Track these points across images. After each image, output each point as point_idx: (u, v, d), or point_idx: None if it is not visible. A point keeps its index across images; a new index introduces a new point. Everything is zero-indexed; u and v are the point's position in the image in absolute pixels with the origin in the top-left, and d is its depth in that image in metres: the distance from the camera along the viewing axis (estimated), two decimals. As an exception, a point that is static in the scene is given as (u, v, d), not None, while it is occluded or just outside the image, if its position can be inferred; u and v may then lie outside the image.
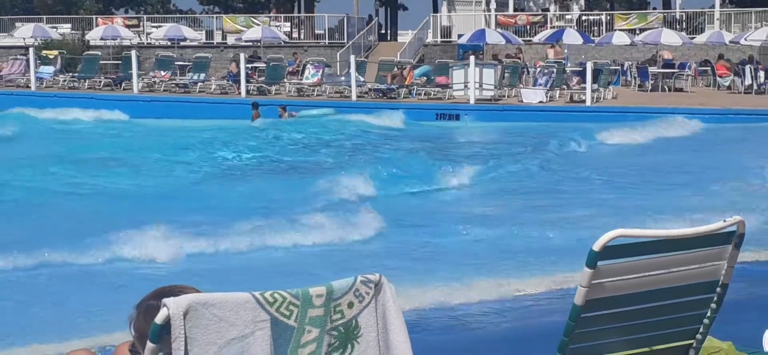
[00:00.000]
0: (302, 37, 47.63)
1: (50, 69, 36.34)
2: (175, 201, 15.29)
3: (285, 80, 34.23)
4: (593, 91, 30.06)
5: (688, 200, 14.71)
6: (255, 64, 36.59)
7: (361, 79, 33.50)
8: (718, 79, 35.54)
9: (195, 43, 45.69)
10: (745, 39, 38.54)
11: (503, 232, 12.39)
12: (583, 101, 30.08)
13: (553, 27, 44.80)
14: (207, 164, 20.42)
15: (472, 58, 30.99)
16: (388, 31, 53.50)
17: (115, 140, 24.74)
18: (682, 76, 35.27)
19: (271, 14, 51.34)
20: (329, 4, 65.94)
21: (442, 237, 12.24)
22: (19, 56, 38.32)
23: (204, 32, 49.37)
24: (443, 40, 45.48)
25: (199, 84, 34.37)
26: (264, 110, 29.05)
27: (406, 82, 32.50)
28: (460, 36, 43.19)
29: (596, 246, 3.72)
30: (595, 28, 45.46)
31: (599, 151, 22.69)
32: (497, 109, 29.80)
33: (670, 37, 39.98)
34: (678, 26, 44.56)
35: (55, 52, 38.10)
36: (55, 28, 48.66)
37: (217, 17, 51.90)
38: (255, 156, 22.06)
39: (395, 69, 33.53)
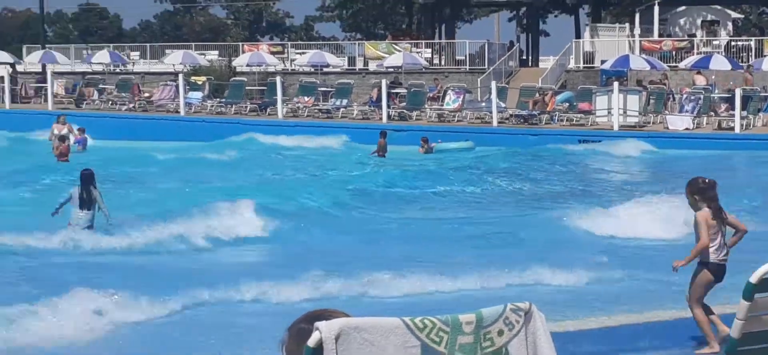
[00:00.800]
0: (443, 63, 47.71)
1: (198, 94, 37.38)
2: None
3: (426, 106, 34.37)
4: (742, 118, 29.20)
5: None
6: (396, 90, 36.87)
7: (502, 105, 33.36)
8: None
9: (337, 70, 46.29)
10: None
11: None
12: (732, 128, 29.25)
13: (700, 53, 43.66)
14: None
15: (615, 84, 30.55)
16: (530, 57, 53.07)
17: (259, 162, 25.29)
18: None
19: (412, 40, 51.63)
20: (470, 30, 66.00)
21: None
22: (168, 82, 39.53)
23: (346, 59, 49.97)
24: (586, 65, 44.87)
25: (342, 109, 34.82)
26: (402, 137, 29.04)
27: (548, 108, 32.22)
28: (603, 61, 42.51)
29: (753, 278, 3.61)
30: (744, 54, 44.12)
31: (749, 180, 22.00)
32: (642, 136, 29.23)
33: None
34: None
35: (204, 78, 39.18)
36: (204, 54, 50.05)
37: (359, 44, 52.52)
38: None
39: (537, 95, 33.28)
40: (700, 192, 8.37)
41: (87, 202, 14.32)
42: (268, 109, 35.56)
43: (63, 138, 27.07)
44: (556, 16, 58.98)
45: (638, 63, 39.47)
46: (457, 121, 33.15)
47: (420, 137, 29.55)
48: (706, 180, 8.47)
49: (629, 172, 24.74)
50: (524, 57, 51.92)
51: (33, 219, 15.24)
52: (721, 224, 8.28)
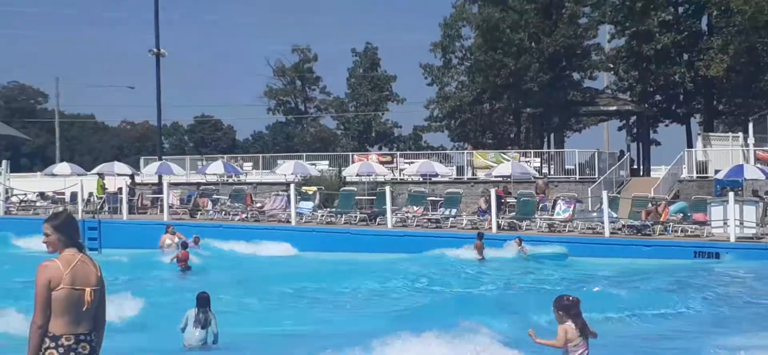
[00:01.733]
0: (552, 172, 47.54)
1: (309, 204, 37.86)
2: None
3: (536, 215, 34.17)
4: None
5: None
6: (506, 199, 36.78)
7: (614, 215, 32.95)
8: None
9: (446, 179, 46.47)
10: None
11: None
12: None
13: (819, 162, 42.62)
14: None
15: (731, 194, 29.94)
16: (641, 167, 52.50)
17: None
18: None
19: (521, 150, 51.65)
20: (579, 139, 65.64)
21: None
22: (280, 192, 40.17)
23: (455, 168, 50.18)
24: (699, 175, 44.15)
25: (450, 219, 34.84)
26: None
27: (662, 219, 31.72)
28: (716, 171, 41.81)
29: None
30: None
31: None
32: (761, 248, 28.49)
33: None
34: None
35: (314, 188, 39.70)
36: (314, 164, 50.79)
37: (467, 153, 52.72)
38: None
39: (650, 205, 32.83)
40: (564, 309, 9.40)
41: (202, 322, 14.68)
42: (378, 219, 35.79)
43: (185, 245, 27.86)
44: (666, 126, 58.33)
45: (753, 173, 38.65)
46: (568, 231, 32.83)
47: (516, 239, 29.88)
48: (571, 298, 9.56)
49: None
50: (635, 166, 51.41)
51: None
52: (585, 337, 9.36)
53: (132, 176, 46.81)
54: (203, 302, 14.82)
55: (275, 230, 34.96)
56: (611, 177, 43.19)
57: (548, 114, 52.40)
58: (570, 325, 9.37)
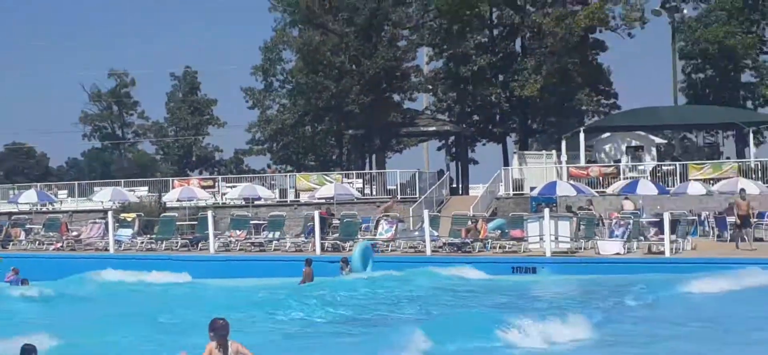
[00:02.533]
0: (374, 192, 47.94)
1: (128, 231, 36.90)
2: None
3: (359, 236, 34.31)
4: (672, 242, 29.58)
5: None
6: (328, 221, 36.83)
7: (435, 233, 33.44)
8: (799, 226, 34.82)
9: (269, 202, 46.19)
10: (825, 185, 37.83)
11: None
12: (662, 252, 29.59)
13: (627, 178, 44.48)
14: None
15: (546, 210, 30.82)
16: (460, 185, 53.59)
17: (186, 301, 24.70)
18: (762, 225, 34.63)
19: (344, 171, 51.91)
20: (400, 159, 66.49)
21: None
22: (97, 220, 39.03)
23: (277, 191, 49.95)
24: (515, 192, 45.40)
25: (274, 242, 34.61)
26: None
27: (481, 236, 32.37)
28: (532, 188, 43.09)
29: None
30: (670, 178, 45.05)
31: (681, 304, 22.16)
32: (575, 262, 29.44)
33: (748, 187, 39.35)
34: (754, 175, 43.95)
35: (133, 215, 38.75)
36: (133, 191, 49.64)
37: (290, 176, 52.59)
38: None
39: (469, 223, 33.45)
40: (213, 330, 10.95)
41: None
42: (200, 245, 35.19)
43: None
44: (484, 145, 59.82)
45: (566, 189, 40.05)
46: (391, 250, 33.08)
47: (340, 259, 29.59)
48: (220, 321, 11.02)
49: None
50: (454, 185, 52.40)
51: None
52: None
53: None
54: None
55: (92, 259, 33.82)
56: (432, 196, 43.85)
57: (370, 135, 52.86)
58: (213, 344, 10.89)
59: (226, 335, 11.42)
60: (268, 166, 64.78)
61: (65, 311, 23.22)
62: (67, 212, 46.30)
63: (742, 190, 33.97)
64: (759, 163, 46.02)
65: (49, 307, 24.22)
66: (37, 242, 37.64)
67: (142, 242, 36.12)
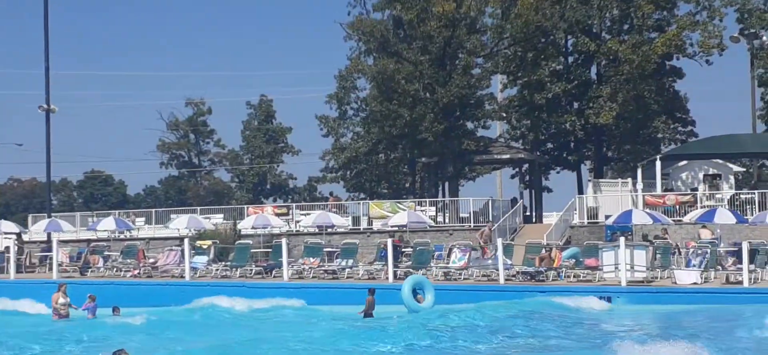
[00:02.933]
0: (447, 220, 47.87)
1: (204, 258, 37.31)
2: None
3: (432, 264, 34.27)
4: (750, 271, 29.02)
5: None
6: (403, 249, 36.83)
7: (509, 262, 33.24)
8: None
9: (342, 230, 46.35)
10: None
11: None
12: (740, 282, 29.04)
13: (704, 206, 43.78)
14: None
15: (622, 239, 30.49)
16: (533, 213, 53.26)
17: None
18: None
19: (416, 199, 51.92)
20: (473, 187, 66.31)
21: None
22: (174, 247, 39.51)
23: (350, 218, 50.11)
24: (590, 221, 44.97)
25: (347, 270, 34.72)
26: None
27: (555, 265, 32.12)
28: (607, 217, 42.63)
29: None
30: (748, 207, 44.23)
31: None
32: (651, 291, 29.03)
33: (826, 215, 38.56)
34: (835, 203, 42.96)
35: (209, 242, 39.17)
36: (208, 218, 50.18)
37: (363, 203, 52.76)
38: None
39: (543, 251, 33.22)
40: None
41: None
42: (274, 272, 35.44)
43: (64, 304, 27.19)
44: (558, 173, 59.39)
45: (642, 217, 39.52)
46: (464, 279, 32.98)
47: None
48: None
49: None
50: (528, 213, 52.10)
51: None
52: None
53: (19, 234, 45.51)
54: None
55: (168, 287, 34.27)
56: (505, 224, 43.65)
57: (443, 163, 52.83)
58: None
59: None
60: (331, 194, 65.05)
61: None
62: (144, 239, 47.01)
63: None
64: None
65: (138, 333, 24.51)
66: (115, 269, 38.23)
67: (217, 269, 36.49)
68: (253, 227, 45.35)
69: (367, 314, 27.51)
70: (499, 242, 33.21)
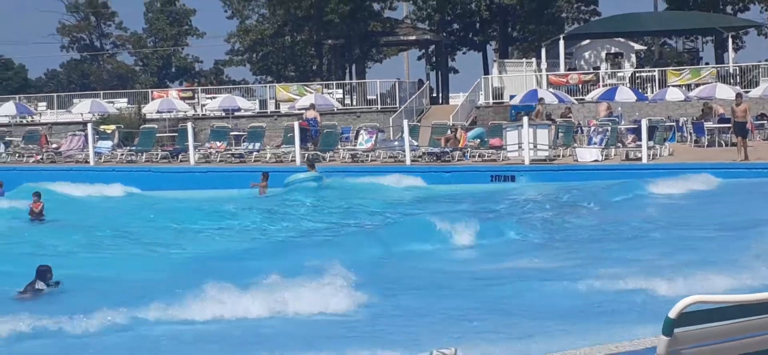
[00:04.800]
0: (355, 102, 47.97)
1: (108, 143, 36.85)
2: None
3: (339, 146, 34.42)
4: (649, 148, 29.79)
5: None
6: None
7: (415, 143, 33.55)
8: (775, 131, 35.09)
9: (249, 113, 46.15)
10: (802, 91, 38.03)
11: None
12: (639, 159, 29.81)
13: (606, 85, 44.63)
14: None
15: (525, 118, 30.93)
16: (440, 95, 53.63)
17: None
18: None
19: (324, 82, 51.82)
20: (380, 69, 66.56)
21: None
22: (77, 132, 38.92)
23: (257, 102, 49.87)
24: (495, 101, 45.52)
25: (254, 153, 34.68)
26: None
27: (460, 145, 32.50)
28: (511, 97, 43.21)
29: (672, 313, 3.67)
30: (648, 85, 45.22)
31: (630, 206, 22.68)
32: (552, 170, 29.65)
33: (725, 92, 39.64)
34: (732, 80, 44.18)
35: (113, 127, 38.67)
36: (112, 102, 49.47)
37: (269, 86, 52.45)
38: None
39: (448, 132, 33.55)
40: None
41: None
42: (180, 156, 35.22)
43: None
44: (464, 54, 59.76)
45: (546, 97, 40.14)
46: (371, 161, 33.22)
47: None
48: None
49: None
50: (434, 95, 52.44)
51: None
52: None
53: None
54: (42, 275, 14.01)
55: (72, 171, 33.82)
56: (412, 106, 43.91)
57: (349, 45, 52.69)
58: None
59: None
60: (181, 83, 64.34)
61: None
62: (46, 124, 46.15)
63: (738, 94, 33.90)
64: (737, 68, 46.23)
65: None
66: (17, 155, 37.55)
67: (122, 154, 36.10)
68: (158, 112, 44.85)
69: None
70: (405, 123, 33.43)
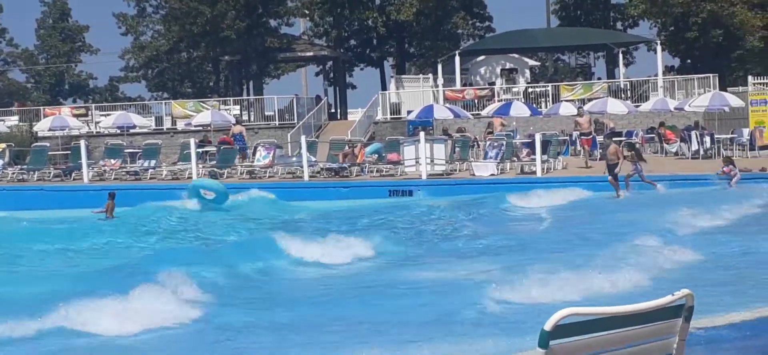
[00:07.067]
0: (252, 119, 47.70)
1: (-1, 162, 36.00)
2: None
3: (237, 163, 34.22)
4: (543, 161, 30.34)
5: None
6: (206, 149, 36.62)
7: (313, 159, 33.56)
8: (665, 145, 36.03)
9: (145, 130, 45.55)
10: (689, 105, 39.11)
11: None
12: (534, 172, 30.34)
13: (501, 100, 45.27)
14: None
15: (422, 134, 31.25)
16: (338, 110, 53.70)
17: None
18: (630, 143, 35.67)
19: (221, 98, 51.45)
20: (278, 85, 66.24)
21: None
22: (-34, 150, 37.89)
23: (153, 118, 49.22)
24: (393, 116, 45.79)
25: (150, 171, 34.24)
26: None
27: (358, 161, 32.63)
28: (409, 112, 43.52)
29: (547, 326, 3.75)
30: (542, 99, 46.01)
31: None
32: (449, 184, 29.97)
33: (616, 106, 40.62)
34: (623, 95, 45.25)
35: (3, 145, 37.78)
36: (3, 120, 48.30)
37: (165, 103, 51.84)
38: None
39: (346, 147, 33.66)
40: None
41: None
42: (73, 174, 34.56)
43: None
44: (362, 69, 59.97)
45: (442, 112, 40.60)
46: (269, 177, 33.10)
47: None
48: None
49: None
50: (333, 110, 52.49)
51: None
52: None
53: None
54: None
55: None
56: (310, 122, 43.89)
57: (246, 61, 52.40)
58: None
59: None
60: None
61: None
62: (-67, 143, 44.82)
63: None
64: (628, 82, 47.41)
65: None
66: None
67: (13, 173, 35.27)
68: (50, 129, 43.97)
69: (108, 217, 25.46)
70: (303, 139, 33.44)
